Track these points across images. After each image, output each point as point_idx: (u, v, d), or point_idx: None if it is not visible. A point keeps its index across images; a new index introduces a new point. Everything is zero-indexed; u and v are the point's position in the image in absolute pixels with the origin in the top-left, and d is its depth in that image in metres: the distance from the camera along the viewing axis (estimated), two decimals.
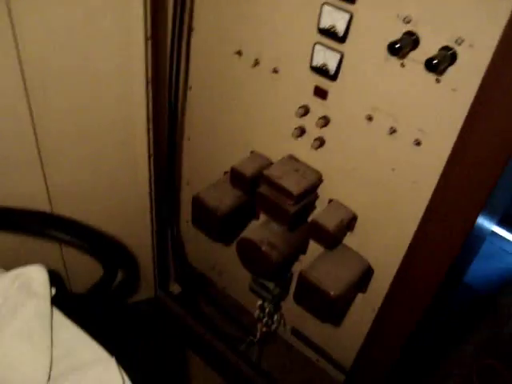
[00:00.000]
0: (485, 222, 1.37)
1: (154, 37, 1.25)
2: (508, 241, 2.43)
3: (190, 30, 1.35)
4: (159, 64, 1.32)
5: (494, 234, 2.41)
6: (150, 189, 1.52)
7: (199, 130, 1.52)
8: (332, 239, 1.19)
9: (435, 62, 0.90)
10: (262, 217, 1.42)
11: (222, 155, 1.50)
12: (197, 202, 1.41)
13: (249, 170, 1.31)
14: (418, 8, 0.94)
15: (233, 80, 1.33)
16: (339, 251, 1.28)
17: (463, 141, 0.95)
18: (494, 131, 0.90)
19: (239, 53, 1.27)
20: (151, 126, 1.39)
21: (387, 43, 0.94)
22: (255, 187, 1.28)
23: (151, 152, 1.45)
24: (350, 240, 1.29)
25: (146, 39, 1.23)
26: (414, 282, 1.17)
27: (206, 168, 1.59)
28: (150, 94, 1.33)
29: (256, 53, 1.24)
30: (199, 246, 1.81)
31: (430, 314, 1.24)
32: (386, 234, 1.21)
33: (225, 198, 1.38)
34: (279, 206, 1.22)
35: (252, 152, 1.39)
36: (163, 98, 1.37)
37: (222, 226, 1.39)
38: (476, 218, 1.00)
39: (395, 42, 0.93)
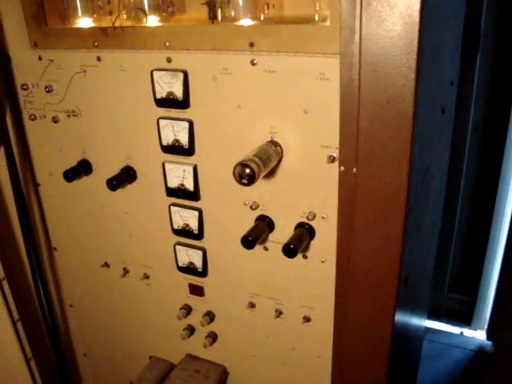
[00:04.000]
0: (413, 322, 1.30)
1: (9, 276, 1.16)
2: (447, 333, 2.38)
3: (51, 250, 1.28)
4: (23, 299, 1.22)
5: (430, 330, 2.36)
6: None
7: (93, 346, 1.40)
8: None
9: (292, 246, 0.86)
10: None
11: (122, 364, 1.37)
12: None
13: (149, 383, 1.19)
14: (260, 194, 0.92)
15: (109, 292, 1.25)
16: None
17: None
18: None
19: (106, 265, 1.20)
20: (33, 365, 1.25)
21: (243, 234, 0.90)
22: None
23: None
24: None
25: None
26: None
27: (110, 378, 1.45)
28: (23, 333, 1.21)
29: (122, 262, 1.17)
30: None
31: None
32: None
33: None
34: None
35: (151, 357, 1.28)
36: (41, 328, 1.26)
37: None
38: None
39: (247, 236, 0.89)
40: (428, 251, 1.36)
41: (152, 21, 0.96)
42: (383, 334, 0.85)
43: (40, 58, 1.04)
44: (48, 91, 1.06)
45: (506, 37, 1.79)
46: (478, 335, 2.35)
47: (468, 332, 2.38)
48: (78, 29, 1.00)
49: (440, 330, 2.42)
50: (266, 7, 0.91)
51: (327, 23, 0.75)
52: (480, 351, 2.27)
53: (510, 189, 2.03)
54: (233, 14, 0.90)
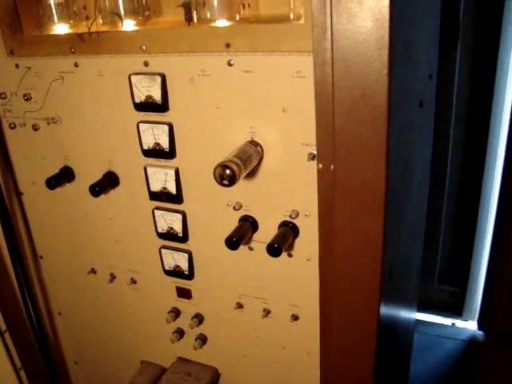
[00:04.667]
0: (401, 315, 1.30)
1: None
2: (439, 324, 2.39)
3: (37, 259, 1.27)
4: (10, 309, 1.21)
5: (421, 322, 2.37)
6: None
7: (83, 353, 1.40)
8: None
9: (276, 245, 0.86)
10: None
11: (113, 370, 1.37)
12: None
13: None
14: (243, 194, 0.92)
15: (97, 299, 1.24)
16: None
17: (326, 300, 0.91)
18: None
19: (93, 271, 1.20)
20: (23, 375, 1.24)
21: (226, 235, 0.90)
22: None
23: None
24: None
25: None
26: None
27: None
28: (11, 343, 1.20)
29: (108, 268, 1.17)
30: None
31: None
32: None
33: None
34: None
35: (142, 362, 1.28)
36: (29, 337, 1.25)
37: None
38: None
39: (231, 237, 0.89)
40: (414, 243, 1.36)
41: (128, 25, 0.96)
42: (369, 326, 0.85)
43: (17, 66, 1.03)
44: (27, 99, 1.05)
45: (485, 27, 1.80)
46: (469, 326, 2.36)
47: (459, 323, 2.39)
48: (54, 35, 0.99)
49: (431, 322, 2.43)
50: (241, 7, 0.91)
51: (302, 21, 0.75)
52: (472, 341, 2.29)
53: (495, 179, 2.04)
54: (208, 15, 0.89)
